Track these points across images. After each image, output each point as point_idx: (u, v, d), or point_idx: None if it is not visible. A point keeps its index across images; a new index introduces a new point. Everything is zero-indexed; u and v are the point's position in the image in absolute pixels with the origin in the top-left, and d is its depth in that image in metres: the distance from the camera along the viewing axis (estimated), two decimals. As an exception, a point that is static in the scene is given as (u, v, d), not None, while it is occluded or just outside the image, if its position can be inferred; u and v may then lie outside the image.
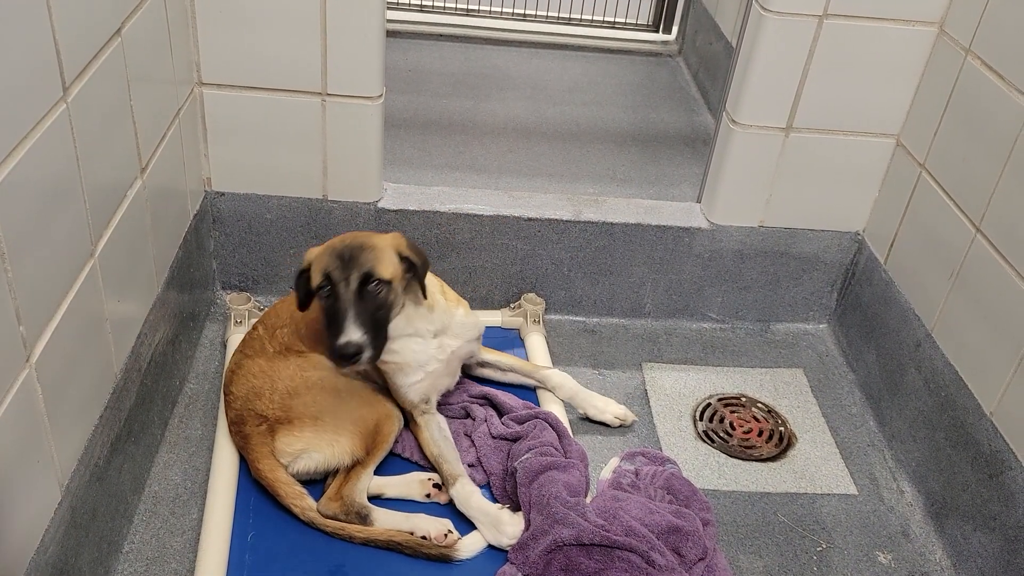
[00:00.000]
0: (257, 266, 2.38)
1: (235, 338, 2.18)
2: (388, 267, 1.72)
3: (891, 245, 2.29)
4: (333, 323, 1.68)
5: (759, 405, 2.26)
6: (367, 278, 1.69)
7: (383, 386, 1.95)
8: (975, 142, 1.97)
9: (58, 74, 1.39)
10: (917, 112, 2.21)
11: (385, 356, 1.81)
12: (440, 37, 3.58)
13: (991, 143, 1.91)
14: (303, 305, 1.80)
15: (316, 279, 1.71)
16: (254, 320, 2.23)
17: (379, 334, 1.72)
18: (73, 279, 1.48)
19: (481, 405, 2.07)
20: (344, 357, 1.65)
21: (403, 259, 1.76)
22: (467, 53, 3.51)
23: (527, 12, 3.72)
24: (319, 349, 1.91)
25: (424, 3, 3.70)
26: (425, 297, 1.83)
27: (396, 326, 1.81)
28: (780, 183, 2.32)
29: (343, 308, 1.67)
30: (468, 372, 2.15)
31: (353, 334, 1.65)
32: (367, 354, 1.67)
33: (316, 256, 1.74)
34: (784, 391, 2.32)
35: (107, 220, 1.63)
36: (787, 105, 2.21)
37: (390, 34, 3.26)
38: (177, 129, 2.01)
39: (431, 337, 1.90)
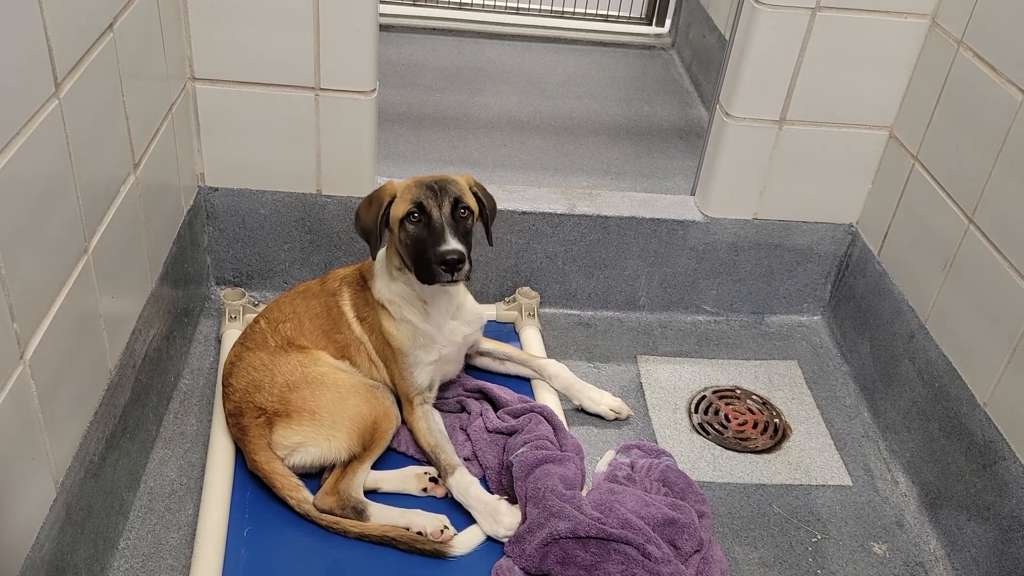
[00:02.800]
0: (251, 261, 2.38)
1: (230, 334, 2.17)
2: (472, 201, 1.85)
3: (884, 237, 2.29)
4: (430, 240, 1.77)
5: (754, 397, 2.27)
6: (457, 203, 1.80)
7: (383, 383, 1.96)
8: (968, 134, 1.98)
9: (50, 70, 1.38)
10: (910, 104, 2.21)
11: (417, 322, 1.89)
12: (433, 31, 3.58)
13: (984, 134, 1.91)
14: (379, 241, 1.85)
15: (404, 208, 1.79)
16: (249, 316, 2.23)
17: (469, 254, 1.80)
18: (67, 275, 1.48)
19: (476, 399, 2.08)
20: (448, 263, 1.74)
21: (476, 197, 1.88)
22: (460, 47, 3.50)
23: (520, 6, 3.72)
24: (322, 344, 1.92)
25: (417, -3, 3.69)
26: (491, 244, 1.98)
27: (434, 292, 1.88)
28: (774, 175, 2.33)
29: (440, 226, 1.77)
30: (467, 361, 2.16)
31: (455, 243, 1.75)
32: (467, 265, 1.77)
33: (401, 189, 1.82)
34: (779, 383, 2.32)
35: (100, 216, 1.62)
36: (780, 98, 2.21)
37: (383, 28, 3.25)
38: (170, 125, 2.00)
39: (450, 318, 1.94)
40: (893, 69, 2.19)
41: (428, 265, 1.77)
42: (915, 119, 2.18)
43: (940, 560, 1.88)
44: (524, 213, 2.34)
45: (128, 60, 1.70)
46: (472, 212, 1.84)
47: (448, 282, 1.79)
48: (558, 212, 2.35)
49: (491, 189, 2.23)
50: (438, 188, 1.80)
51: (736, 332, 2.49)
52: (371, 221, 1.84)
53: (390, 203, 1.82)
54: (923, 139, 2.15)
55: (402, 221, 1.80)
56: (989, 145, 1.89)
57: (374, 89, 2.16)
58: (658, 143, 2.98)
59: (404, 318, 1.90)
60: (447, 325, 1.94)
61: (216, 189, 2.27)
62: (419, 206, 1.78)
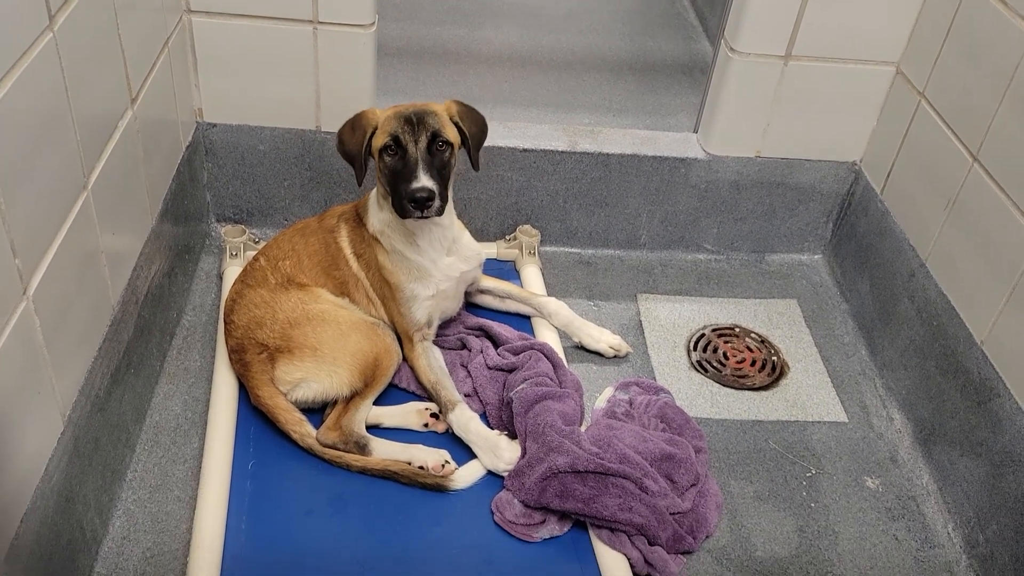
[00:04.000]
0: (251, 198, 2.37)
1: (231, 270, 2.18)
2: (451, 132, 1.83)
3: (888, 175, 2.28)
4: (403, 175, 1.77)
5: (753, 335, 2.29)
6: (434, 137, 1.79)
7: (382, 321, 1.97)
8: (976, 70, 1.95)
9: (44, 3, 1.36)
10: (918, 39, 2.17)
11: (408, 253, 1.89)
12: (433, -38, 3.49)
13: (992, 71, 1.89)
14: (363, 169, 1.85)
15: (382, 140, 1.79)
16: (249, 252, 2.23)
17: (443, 190, 1.81)
18: (67, 212, 1.48)
19: (476, 336, 2.09)
20: (418, 201, 1.75)
21: (456, 127, 1.85)
22: (461, -21, 3.43)
23: (522, -64, 3.62)
24: (321, 281, 1.93)
25: (416, -73, 3.59)
26: (476, 169, 1.93)
27: (420, 225, 1.87)
28: (778, 113, 2.30)
29: (413, 161, 1.77)
30: (468, 299, 2.17)
31: (426, 181, 1.75)
32: (437, 203, 1.77)
33: (382, 120, 1.81)
34: (778, 321, 2.33)
35: (99, 152, 1.61)
36: (786, 32, 2.17)
37: (382, -41, 3.17)
38: (166, 59, 1.97)
39: (445, 253, 1.94)
40: (902, 2, 2.15)
41: (400, 200, 1.78)
42: (923, 55, 2.15)
43: (932, 494, 1.92)
44: (525, 151, 2.33)
45: (122, -8, 1.67)
46: (451, 144, 1.82)
47: (419, 217, 1.79)
48: (559, 150, 2.33)
49: (491, 126, 2.21)
50: (416, 121, 1.78)
51: (736, 271, 2.49)
52: (355, 149, 1.84)
53: (372, 133, 1.81)
54: (930, 75, 2.12)
55: (380, 153, 1.81)
56: (997, 82, 1.87)
57: (373, 23, 2.12)
58: (662, 79, 2.93)
59: (394, 248, 1.90)
60: (442, 260, 1.94)
61: (214, 125, 2.25)
62: (395, 140, 1.78)
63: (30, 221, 1.34)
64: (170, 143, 2.06)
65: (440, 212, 1.80)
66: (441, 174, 1.80)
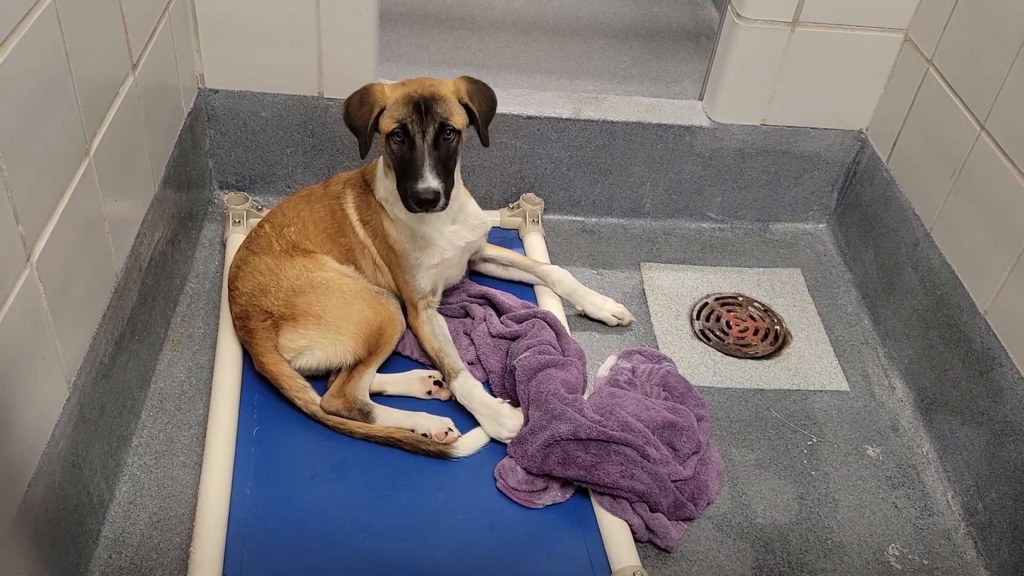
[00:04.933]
0: (254, 165, 2.36)
1: (234, 238, 2.18)
2: (459, 117, 1.80)
3: (894, 144, 2.26)
4: (410, 170, 1.76)
5: (756, 304, 2.29)
6: (442, 127, 1.77)
7: (387, 289, 1.97)
8: (985, 37, 1.93)
9: (42, -35, 1.35)
10: (927, 6, 2.15)
11: (412, 222, 1.89)
12: (436, -74, 3.44)
13: (1001, 38, 1.86)
14: (368, 144, 1.83)
15: (390, 125, 1.77)
16: (252, 220, 2.23)
17: (449, 181, 1.81)
18: (69, 178, 1.47)
19: (480, 304, 2.09)
20: (423, 202, 1.75)
21: (465, 107, 1.82)
22: (464, -57, 3.38)
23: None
24: (327, 248, 1.93)
25: None
26: (486, 144, 1.88)
27: None
28: (784, 80, 2.28)
29: (420, 156, 1.75)
30: (471, 267, 2.17)
31: (432, 181, 1.74)
32: (442, 201, 1.77)
33: (391, 102, 1.78)
34: (781, 290, 2.33)
35: (100, 118, 1.60)
36: (794, -2, 2.15)
37: (384, -78, 3.13)
38: (167, 23, 1.96)
39: (450, 221, 1.93)
40: (911, -32, 2.13)
41: (405, 195, 1.77)
42: (931, 22, 2.12)
43: (932, 463, 1.93)
44: (529, 118, 2.31)
45: (122, -45, 1.65)
46: (458, 132, 1.80)
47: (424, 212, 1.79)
48: (563, 117, 2.32)
49: (496, 94, 2.20)
50: (424, 108, 1.75)
51: (740, 239, 2.49)
52: (361, 123, 1.81)
53: (380, 112, 1.79)
54: (938, 43, 2.09)
55: (387, 137, 1.79)
56: (1006, 50, 1.84)
57: (376, -13, 2.10)
58: (667, 46, 2.91)
59: (398, 217, 1.90)
60: (447, 228, 1.94)
61: (216, 91, 2.23)
62: (403, 128, 1.76)
63: (32, 188, 1.33)
64: (172, 109, 2.05)
65: (445, 205, 1.80)
66: (447, 165, 1.79)
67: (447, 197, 1.79)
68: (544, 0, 3.08)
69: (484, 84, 1.87)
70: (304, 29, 2.13)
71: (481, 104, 1.84)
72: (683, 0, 3.20)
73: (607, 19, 3.02)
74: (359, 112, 1.82)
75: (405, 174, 1.77)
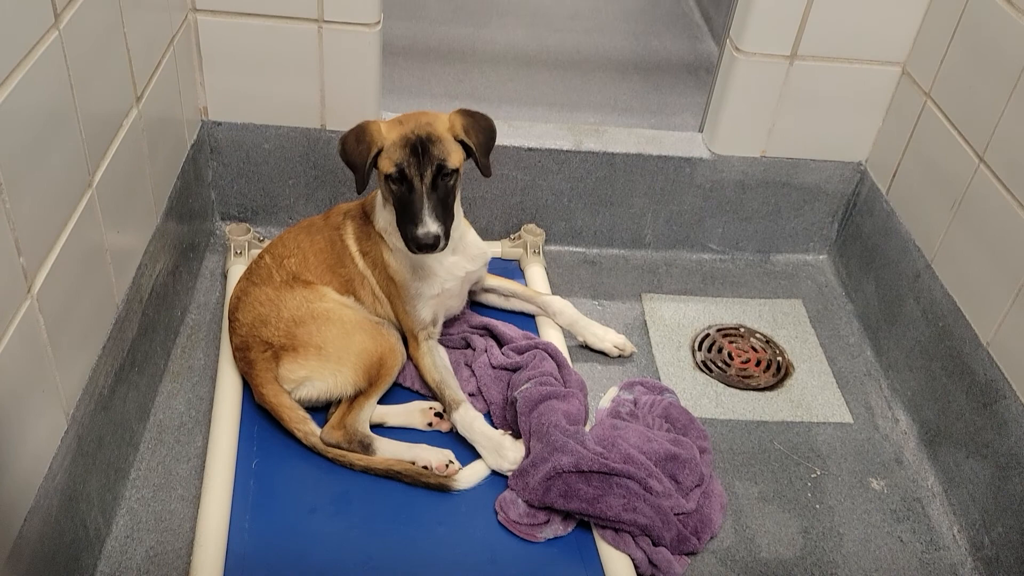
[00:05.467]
0: (256, 197, 2.37)
1: (235, 269, 2.18)
2: (455, 156, 1.80)
3: (893, 175, 2.27)
4: (409, 213, 1.76)
5: (757, 335, 2.28)
6: (440, 169, 1.77)
7: (387, 320, 1.97)
8: (982, 70, 1.94)
9: (49, 1, 1.36)
10: (924, 39, 2.17)
11: (403, 248, 1.86)
12: (438, -39, 3.49)
13: (998, 71, 1.88)
14: (365, 181, 1.82)
15: (388, 167, 1.77)
16: (254, 251, 2.23)
17: (448, 220, 1.81)
18: (71, 210, 1.48)
19: (481, 335, 2.09)
20: (424, 247, 1.76)
21: (461, 143, 1.82)
22: (466, -22, 3.42)
23: (527, -65, 3.61)
24: (327, 279, 1.93)
25: (421, -75, 3.59)
26: (486, 175, 1.87)
27: None
28: (783, 112, 2.30)
29: (419, 199, 1.75)
30: (472, 298, 2.17)
31: (431, 226, 1.74)
32: (443, 243, 1.78)
33: (388, 144, 1.77)
34: (783, 321, 2.33)
35: (104, 150, 1.61)
36: (792, 32, 2.17)
37: (387, -42, 3.17)
38: (172, 57, 1.98)
39: (450, 251, 1.93)
40: (908, 2, 2.14)
41: (406, 237, 1.78)
42: (929, 55, 2.14)
43: (937, 496, 1.91)
44: (530, 149, 2.32)
45: (128, -10, 1.67)
46: (456, 171, 1.79)
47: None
48: (564, 148, 2.33)
49: (496, 125, 2.22)
50: (421, 151, 1.74)
51: (741, 271, 2.49)
52: (359, 161, 1.80)
53: (378, 153, 1.78)
54: (936, 76, 2.11)
55: (386, 178, 1.79)
56: (1003, 82, 1.86)
57: (378, 21, 2.12)
58: (667, 78, 2.93)
59: (397, 247, 1.89)
60: (447, 258, 1.94)
61: (219, 123, 2.25)
62: (401, 172, 1.76)
63: (35, 219, 1.34)
64: (175, 141, 2.06)
65: (446, 246, 1.80)
66: (446, 203, 1.79)
67: (447, 238, 1.79)
68: (545, 34, 3.11)
69: (481, 115, 1.86)
70: (307, 62, 2.15)
71: (478, 136, 1.83)
72: (683, 34, 3.24)
73: (608, 53, 3.05)
74: (356, 150, 1.81)
75: (404, 216, 1.78)
